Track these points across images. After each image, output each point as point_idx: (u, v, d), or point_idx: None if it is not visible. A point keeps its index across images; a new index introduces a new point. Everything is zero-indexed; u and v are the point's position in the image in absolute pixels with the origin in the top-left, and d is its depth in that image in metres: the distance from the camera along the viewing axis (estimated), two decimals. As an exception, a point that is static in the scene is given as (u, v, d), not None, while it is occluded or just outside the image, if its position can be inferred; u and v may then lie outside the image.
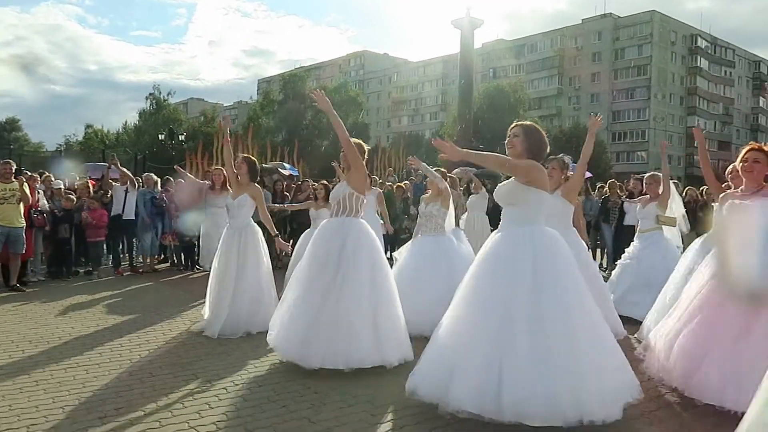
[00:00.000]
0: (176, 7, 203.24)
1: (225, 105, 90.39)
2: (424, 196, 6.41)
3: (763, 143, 3.86)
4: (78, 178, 11.92)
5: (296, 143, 26.67)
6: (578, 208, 5.83)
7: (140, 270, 10.07)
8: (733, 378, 3.52)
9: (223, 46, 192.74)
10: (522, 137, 3.70)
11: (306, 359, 4.37)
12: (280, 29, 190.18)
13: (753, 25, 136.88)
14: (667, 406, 3.86)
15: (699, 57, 64.01)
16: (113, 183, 10.10)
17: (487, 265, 3.61)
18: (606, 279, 6.77)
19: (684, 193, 11.16)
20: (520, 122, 3.87)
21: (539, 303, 3.33)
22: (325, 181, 9.10)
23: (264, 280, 5.85)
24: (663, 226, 6.63)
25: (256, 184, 6.12)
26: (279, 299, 5.22)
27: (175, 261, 10.84)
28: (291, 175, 15.73)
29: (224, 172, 9.10)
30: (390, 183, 13.99)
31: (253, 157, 6.47)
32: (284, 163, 18.80)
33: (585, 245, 5.52)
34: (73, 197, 9.62)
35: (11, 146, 43.71)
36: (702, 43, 64.50)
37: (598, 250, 12.11)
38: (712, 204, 5.68)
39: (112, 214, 9.80)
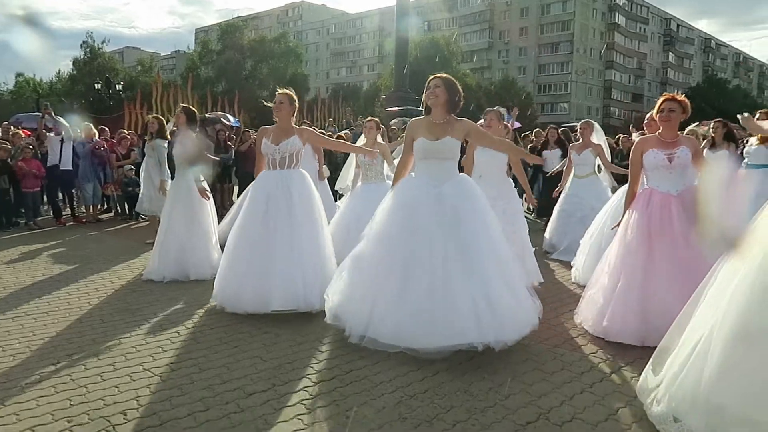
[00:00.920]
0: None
1: (162, 54, 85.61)
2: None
3: (676, 93, 4.01)
4: (12, 129, 11.13)
5: (237, 94, 25.66)
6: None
7: (83, 220, 9.64)
8: (638, 316, 3.76)
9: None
10: (443, 88, 3.84)
11: (237, 306, 4.39)
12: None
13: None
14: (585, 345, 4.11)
15: (617, 14, 65.30)
16: (47, 133, 9.49)
17: (421, 214, 3.73)
18: (531, 221, 6.96)
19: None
20: (438, 75, 3.96)
21: (452, 242, 3.59)
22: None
23: (204, 226, 5.74)
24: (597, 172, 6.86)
25: (195, 133, 5.91)
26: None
27: (119, 210, 10.45)
28: (233, 126, 15.23)
29: (160, 120, 8.82)
30: (330, 133, 13.79)
31: (191, 107, 6.23)
32: (228, 115, 18.13)
33: (517, 196, 5.59)
34: (9, 147, 9.01)
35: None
36: (620, 1, 65.70)
37: (524, 197, 12.43)
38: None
39: (48, 164, 9.25)
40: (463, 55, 57.87)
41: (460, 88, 3.90)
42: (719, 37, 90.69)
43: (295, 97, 4.78)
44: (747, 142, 9.97)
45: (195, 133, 5.85)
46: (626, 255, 3.96)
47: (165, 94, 20.95)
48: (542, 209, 9.73)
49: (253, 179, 4.78)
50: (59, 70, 60.05)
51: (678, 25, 74.41)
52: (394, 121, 13.86)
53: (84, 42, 54.27)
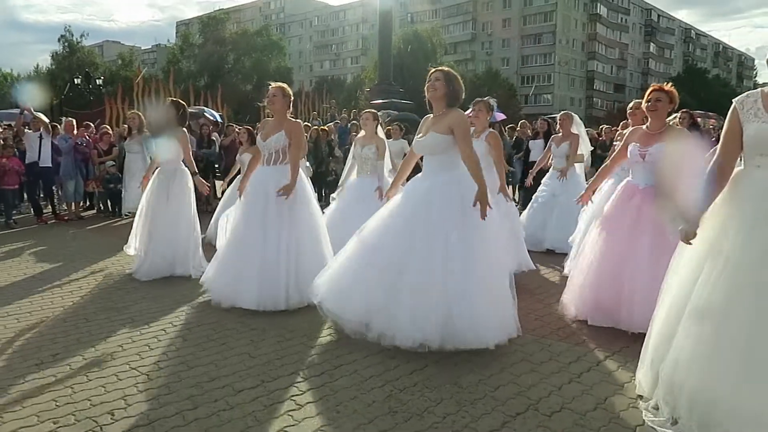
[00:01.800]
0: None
1: (143, 48, 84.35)
2: (358, 137, 6.30)
3: (664, 84, 4.04)
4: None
5: (219, 87, 25.40)
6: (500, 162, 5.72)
7: (65, 218, 9.49)
8: (625, 302, 3.83)
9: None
10: (443, 81, 3.79)
11: (236, 301, 4.40)
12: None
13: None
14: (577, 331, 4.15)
15: (599, 4, 65.57)
16: (25, 129, 9.31)
17: (411, 208, 3.70)
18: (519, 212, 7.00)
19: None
20: (440, 68, 3.94)
21: (453, 238, 3.52)
22: (248, 126, 8.80)
23: (190, 223, 5.66)
24: (575, 163, 6.90)
25: (183, 129, 5.82)
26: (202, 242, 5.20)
27: (101, 207, 10.31)
28: (216, 122, 15.09)
29: (141, 117, 8.75)
30: (315, 126, 13.72)
31: (181, 101, 6.12)
32: (206, 109, 17.90)
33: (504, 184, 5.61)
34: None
35: None
36: (602, -8, 66.06)
37: (511, 187, 12.52)
38: (614, 143, 6.00)
39: (27, 161, 9.06)
40: (446, 47, 57.83)
41: (461, 81, 3.87)
42: (699, 27, 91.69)
43: (290, 91, 4.74)
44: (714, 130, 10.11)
45: (164, 106, 5.79)
46: (608, 242, 4.05)
47: (146, 89, 20.66)
48: (528, 198, 9.82)
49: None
50: (37, 65, 58.95)
51: (659, 16, 74.97)
52: (378, 113, 13.79)
53: (62, 36, 53.34)
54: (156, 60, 76.61)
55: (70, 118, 10.43)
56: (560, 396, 2.98)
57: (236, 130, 10.13)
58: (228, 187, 8.19)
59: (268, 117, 4.87)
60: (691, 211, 2.61)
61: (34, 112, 9.35)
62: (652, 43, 73.42)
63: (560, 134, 7.00)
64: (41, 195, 9.84)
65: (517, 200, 11.78)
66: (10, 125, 10.75)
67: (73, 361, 3.43)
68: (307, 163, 8.53)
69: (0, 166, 8.67)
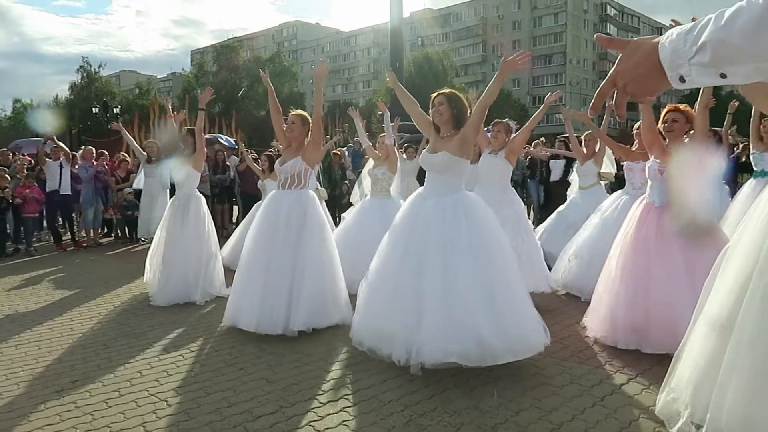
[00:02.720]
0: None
1: (159, 77, 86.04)
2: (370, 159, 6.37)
3: (678, 104, 4.04)
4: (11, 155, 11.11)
5: (234, 114, 25.74)
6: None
7: (84, 244, 9.61)
8: (655, 322, 3.75)
9: (152, 16, 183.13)
10: (446, 105, 3.82)
11: (236, 322, 4.44)
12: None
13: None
14: (599, 353, 4.08)
15: (608, 24, 65.88)
16: (46, 159, 9.49)
17: (419, 227, 3.68)
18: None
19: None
20: (440, 92, 3.95)
21: (461, 260, 3.48)
22: (269, 152, 8.94)
23: (206, 249, 5.69)
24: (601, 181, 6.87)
25: (199, 155, 5.91)
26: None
27: (119, 234, 10.42)
28: (231, 147, 15.28)
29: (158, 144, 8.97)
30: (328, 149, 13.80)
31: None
32: (220, 136, 18.11)
33: (522, 202, 5.60)
34: (7, 176, 8.99)
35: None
36: (611, 11, 66.38)
37: (527, 207, 12.49)
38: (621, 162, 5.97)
39: (47, 189, 9.23)
40: (456, 70, 58.26)
41: (464, 100, 3.89)
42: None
43: (309, 118, 4.82)
44: (739, 147, 10.00)
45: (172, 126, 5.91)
46: (627, 265, 3.98)
47: (162, 116, 20.97)
48: (545, 218, 9.78)
49: (253, 199, 4.81)
50: (56, 96, 60.27)
51: (669, 34, 75.01)
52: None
53: (80, 66, 54.57)
54: (171, 88, 78.01)
55: (89, 147, 10.61)
56: (583, 420, 2.92)
57: (249, 154, 10.29)
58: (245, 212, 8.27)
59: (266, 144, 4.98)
60: (703, 219, 2.55)
61: (57, 142, 9.56)
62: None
63: (585, 153, 6.95)
64: (60, 222, 10.00)
65: (533, 221, 11.74)
66: (33, 155, 10.96)
67: (92, 387, 3.44)
68: (321, 187, 8.61)
69: (22, 195, 8.82)
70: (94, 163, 10.07)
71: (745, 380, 2.28)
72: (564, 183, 8.90)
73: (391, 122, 6.32)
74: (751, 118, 6.07)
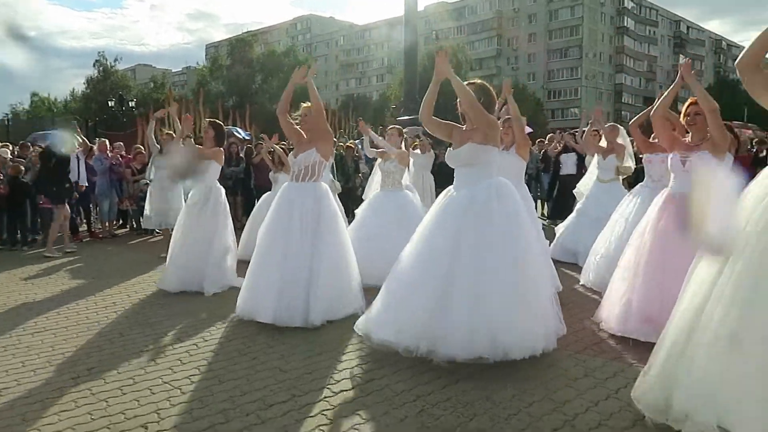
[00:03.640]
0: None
1: (174, 71, 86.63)
2: (379, 151, 6.36)
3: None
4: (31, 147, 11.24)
5: (248, 107, 25.84)
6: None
7: (100, 235, 9.72)
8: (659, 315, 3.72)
9: (166, 10, 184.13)
10: (476, 96, 3.72)
11: (253, 315, 4.43)
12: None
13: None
14: (610, 349, 4.05)
15: (626, 17, 65.08)
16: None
17: (450, 220, 3.63)
18: (546, 226, 6.90)
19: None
20: (472, 81, 3.89)
21: (491, 256, 3.43)
22: (283, 145, 8.97)
23: (222, 240, 5.73)
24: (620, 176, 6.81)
25: (220, 149, 5.96)
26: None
27: (134, 225, 10.52)
28: (244, 139, 15.37)
29: (173, 135, 8.98)
30: (341, 143, 13.83)
31: (220, 122, 6.31)
32: (236, 128, 18.23)
33: (532, 199, 5.58)
34: (21, 167, 9.09)
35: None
36: (628, 4, 65.51)
37: (539, 201, 12.42)
38: (640, 155, 5.90)
39: (67, 181, 9.32)
40: (471, 63, 57.92)
41: (492, 92, 3.84)
42: (731, 38, 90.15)
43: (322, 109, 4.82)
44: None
45: (183, 144, 5.93)
46: (644, 255, 3.96)
47: (177, 110, 21.11)
48: (556, 212, 9.75)
49: (264, 191, 4.81)
50: (73, 89, 60.95)
51: (688, 27, 74.01)
52: (405, 130, 13.84)
53: (97, 61, 55.10)
54: (186, 81, 78.52)
55: (103, 140, 10.71)
56: (597, 412, 2.90)
57: (264, 146, 10.29)
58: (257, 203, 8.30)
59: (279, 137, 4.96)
60: (726, 234, 2.49)
61: (80, 133, 9.67)
62: (681, 55, 72.01)
63: (605, 146, 6.87)
64: (77, 213, 10.10)
65: (545, 214, 11.68)
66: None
67: (108, 375, 3.47)
68: (335, 180, 8.63)
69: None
70: (109, 155, 10.17)
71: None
72: (576, 177, 8.83)
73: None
74: None
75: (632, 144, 6.87)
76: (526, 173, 5.65)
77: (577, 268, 6.32)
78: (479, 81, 3.91)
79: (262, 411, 2.95)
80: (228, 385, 3.28)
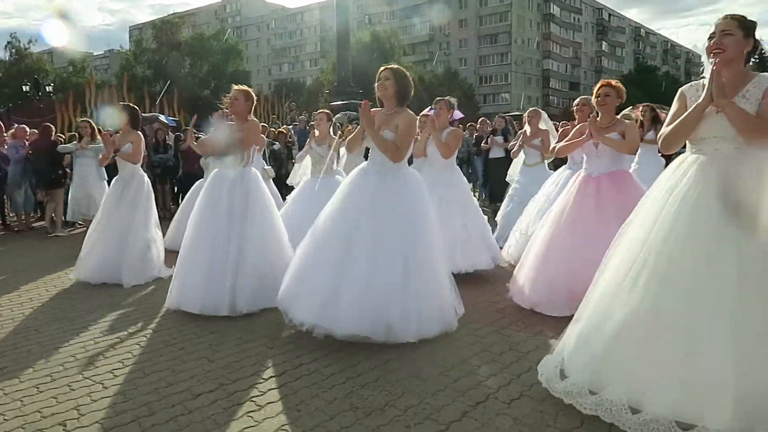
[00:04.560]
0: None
1: (95, 54, 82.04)
2: (311, 137, 6.30)
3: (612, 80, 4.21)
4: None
5: (176, 92, 24.89)
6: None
7: (15, 228, 9.15)
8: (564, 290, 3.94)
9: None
10: (393, 80, 3.80)
11: (180, 304, 4.34)
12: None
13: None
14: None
15: (552, 4, 66.96)
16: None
17: (356, 201, 3.75)
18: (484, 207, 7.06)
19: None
20: (389, 66, 3.93)
21: (388, 239, 3.57)
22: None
23: (145, 230, 5.54)
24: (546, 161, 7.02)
25: (138, 132, 5.72)
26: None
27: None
28: (170, 125, 14.79)
29: (92, 123, 8.58)
30: (273, 129, 13.59)
31: (134, 105, 6.05)
32: (160, 114, 17.50)
33: (464, 183, 5.69)
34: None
35: None
36: (555, -8, 67.49)
37: (471, 184, 12.69)
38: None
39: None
40: (404, 48, 58.09)
41: (410, 79, 3.90)
42: (648, 26, 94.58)
43: (252, 94, 4.69)
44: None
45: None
46: (554, 233, 4.19)
47: (99, 95, 20.13)
48: (494, 194, 10.06)
49: (194, 178, 4.68)
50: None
51: (610, 15, 76.98)
52: (338, 115, 13.78)
53: (9, 43, 51.51)
54: (109, 66, 74.64)
55: (22, 126, 10.04)
56: (519, 384, 3.02)
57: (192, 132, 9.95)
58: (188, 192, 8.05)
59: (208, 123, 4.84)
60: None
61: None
62: (604, 42, 75.28)
63: (529, 132, 7.05)
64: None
65: (480, 196, 11.97)
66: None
67: (23, 374, 3.30)
68: (268, 166, 8.48)
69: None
70: (26, 143, 9.55)
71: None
72: (505, 160, 9.09)
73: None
74: None
75: (555, 128, 7.13)
76: (457, 157, 5.76)
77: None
78: (395, 66, 3.95)
79: (189, 401, 2.89)
80: (153, 378, 3.19)
